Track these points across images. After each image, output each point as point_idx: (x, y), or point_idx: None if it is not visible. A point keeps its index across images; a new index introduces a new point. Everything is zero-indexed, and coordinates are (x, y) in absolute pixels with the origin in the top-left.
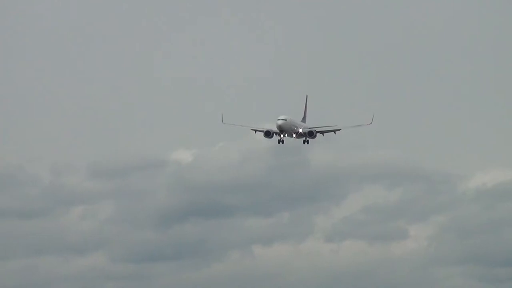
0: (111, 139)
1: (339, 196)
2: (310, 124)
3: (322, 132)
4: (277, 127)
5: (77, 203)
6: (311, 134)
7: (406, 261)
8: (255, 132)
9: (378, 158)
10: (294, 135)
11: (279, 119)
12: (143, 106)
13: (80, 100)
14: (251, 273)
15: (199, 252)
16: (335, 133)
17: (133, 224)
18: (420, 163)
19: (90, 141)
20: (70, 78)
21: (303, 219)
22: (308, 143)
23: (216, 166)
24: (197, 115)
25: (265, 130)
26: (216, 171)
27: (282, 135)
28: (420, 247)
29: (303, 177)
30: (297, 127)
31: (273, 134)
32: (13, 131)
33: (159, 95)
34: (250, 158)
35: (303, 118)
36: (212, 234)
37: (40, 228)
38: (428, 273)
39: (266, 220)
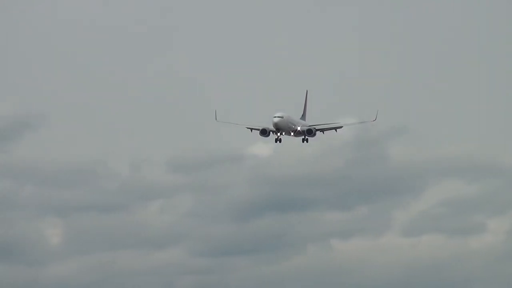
0: (190, 133)
1: (417, 190)
2: (311, 122)
3: (322, 130)
4: (273, 125)
5: (156, 197)
6: (310, 132)
7: (484, 255)
8: (251, 130)
9: (456, 152)
10: (292, 133)
11: (275, 117)
12: (222, 99)
13: (159, 94)
14: (329, 267)
15: (277, 246)
16: (336, 131)
17: (212, 218)
18: (499, 157)
19: (169, 135)
20: (147, 72)
21: (381, 213)
22: (307, 141)
23: (294, 159)
24: (275, 108)
25: (261, 128)
26: (294, 165)
27: (279, 134)
28: (498, 241)
29: (382, 171)
30: (295, 125)
31: (269, 133)
32: (93, 126)
33: (235, 89)
34: (328, 151)
35: (302, 115)
36: (290, 228)
37: (119, 223)
38: (506, 267)
39: (344, 214)
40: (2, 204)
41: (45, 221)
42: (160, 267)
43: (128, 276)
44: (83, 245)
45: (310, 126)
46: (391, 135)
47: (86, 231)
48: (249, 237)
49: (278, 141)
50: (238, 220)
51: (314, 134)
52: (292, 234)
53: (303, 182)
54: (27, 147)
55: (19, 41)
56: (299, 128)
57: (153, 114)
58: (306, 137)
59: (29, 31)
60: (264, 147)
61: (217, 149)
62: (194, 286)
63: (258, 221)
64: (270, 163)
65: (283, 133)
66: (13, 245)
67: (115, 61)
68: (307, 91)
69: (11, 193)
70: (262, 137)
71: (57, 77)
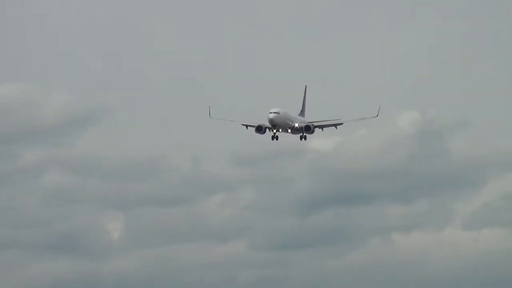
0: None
1: (478, 184)
2: (310, 118)
3: (321, 127)
4: (268, 122)
5: (218, 190)
6: (308, 129)
7: None
8: (246, 127)
9: None
10: (289, 130)
11: (270, 112)
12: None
13: (219, 88)
14: (390, 260)
15: (339, 240)
16: (336, 127)
17: (273, 211)
18: None
19: (231, 129)
20: (209, 67)
21: (442, 207)
22: (305, 139)
23: (356, 153)
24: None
25: (256, 125)
26: (356, 159)
27: (275, 130)
28: None
29: (443, 165)
30: (292, 121)
31: (265, 129)
32: (155, 120)
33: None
34: (390, 145)
35: (301, 111)
36: (351, 221)
37: (180, 216)
38: None
39: (405, 208)
40: (65, 198)
41: (107, 215)
42: (221, 261)
43: (189, 270)
44: (144, 239)
45: (308, 122)
46: (453, 128)
47: (147, 225)
48: (310, 230)
49: (274, 139)
50: (300, 213)
51: (313, 131)
52: (354, 228)
53: (365, 176)
54: (90, 141)
55: (84, 35)
56: (296, 125)
57: (217, 105)
58: (304, 134)
59: (92, 25)
60: (326, 141)
61: (280, 142)
62: (256, 280)
63: (319, 214)
64: (332, 156)
65: (280, 130)
66: (75, 239)
67: (178, 56)
68: (306, 86)
69: (74, 187)
70: (257, 134)
71: (121, 71)
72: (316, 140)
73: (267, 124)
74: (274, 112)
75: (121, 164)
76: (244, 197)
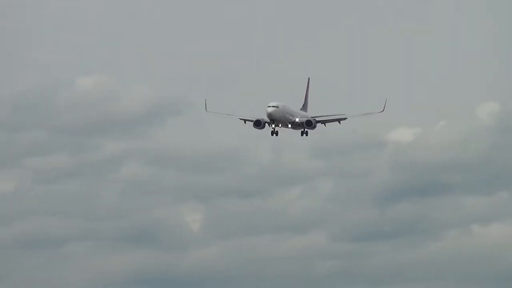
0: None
1: None
2: (313, 113)
3: (324, 122)
4: (267, 116)
5: (297, 182)
6: (309, 124)
7: None
8: (245, 122)
9: None
10: (289, 125)
11: (269, 106)
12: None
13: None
14: (468, 252)
15: (417, 231)
16: (340, 122)
17: (352, 203)
18: None
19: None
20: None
21: None
22: (307, 134)
23: (436, 145)
24: (419, 93)
25: (255, 119)
26: (436, 150)
27: (274, 125)
28: None
29: None
30: (292, 116)
31: (264, 124)
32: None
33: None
34: (471, 136)
35: (303, 106)
36: (429, 213)
37: (259, 208)
38: None
39: (485, 199)
40: (145, 190)
41: (186, 206)
42: (299, 252)
43: (268, 261)
44: (224, 231)
45: (309, 117)
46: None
47: (227, 216)
48: (388, 222)
49: (274, 134)
50: (378, 205)
51: (314, 127)
52: (432, 220)
53: (444, 167)
54: (169, 133)
55: (164, 27)
56: (297, 120)
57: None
58: (306, 129)
59: (173, 18)
60: (406, 132)
61: (360, 134)
62: (334, 271)
63: (398, 206)
64: (411, 148)
65: (280, 125)
66: (154, 231)
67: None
68: (309, 79)
69: (153, 178)
70: (256, 129)
71: (201, 61)
72: (395, 131)
73: (266, 118)
74: (273, 106)
75: (200, 156)
76: (323, 189)
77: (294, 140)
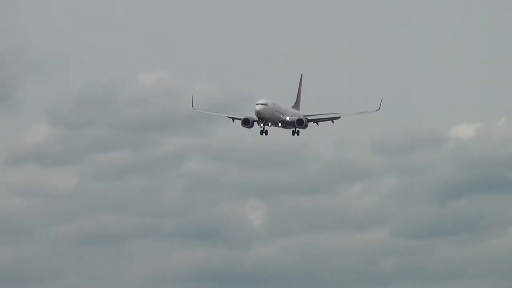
0: (394, 114)
1: None
2: (306, 111)
3: (316, 121)
4: (255, 114)
5: (359, 178)
6: (300, 123)
7: None
8: (233, 120)
9: None
10: (279, 124)
11: (258, 104)
12: (428, 81)
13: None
14: None
15: (478, 227)
16: (333, 122)
17: (413, 199)
18: None
19: (373, 116)
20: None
21: None
22: (298, 134)
23: (497, 140)
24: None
25: (243, 117)
26: (497, 146)
27: (263, 124)
28: None
29: None
30: (283, 114)
31: (253, 123)
32: None
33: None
34: None
35: (295, 103)
36: (491, 209)
37: (321, 204)
38: None
39: None
40: (206, 186)
41: (248, 203)
42: (361, 248)
43: (330, 258)
44: (286, 227)
45: (301, 116)
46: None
47: (289, 213)
48: (450, 218)
49: (264, 133)
50: (439, 201)
51: (306, 126)
52: (493, 216)
53: (505, 163)
54: (231, 129)
55: (227, 24)
56: (287, 118)
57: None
58: (297, 128)
59: (235, 17)
60: (467, 128)
61: (421, 130)
62: (396, 267)
63: (459, 202)
64: (472, 144)
65: (269, 124)
66: (216, 228)
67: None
68: (301, 75)
69: (215, 175)
70: (244, 128)
71: (262, 58)
72: (456, 127)
73: (255, 117)
74: (261, 104)
75: (262, 152)
76: (384, 185)
77: (357, 137)
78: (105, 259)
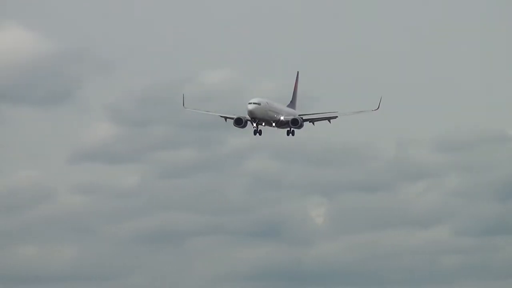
0: (457, 111)
1: None
2: (302, 111)
3: (312, 121)
4: (248, 114)
5: (421, 176)
6: (295, 123)
7: None
8: (225, 119)
9: None
10: (273, 124)
11: (250, 103)
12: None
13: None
14: None
15: None
16: (329, 121)
17: (476, 197)
18: None
19: (436, 114)
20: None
21: None
22: (293, 134)
23: None
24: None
25: (235, 117)
26: None
27: (255, 124)
28: None
29: None
30: (277, 114)
31: (246, 122)
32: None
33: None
34: None
35: (291, 102)
36: None
37: (383, 202)
38: None
39: None
40: (270, 184)
41: (311, 201)
42: (424, 246)
43: (392, 256)
44: (348, 225)
45: (296, 115)
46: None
47: (351, 211)
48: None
49: (257, 133)
50: (502, 199)
51: (301, 125)
52: None
53: None
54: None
55: (289, 23)
56: (282, 118)
57: (422, 93)
58: (292, 128)
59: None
60: None
61: (482, 128)
62: (458, 266)
63: None
64: None
65: (263, 124)
66: (279, 225)
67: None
68: (298, 73)
69: (278, 173)
70: (237, 127)
71: (324, 57)
72: None
73: (248, 116)
74: (254, 103)
75: (325, 150)
76: (447, 183)
77: (419, 135)
78: (168, 257)
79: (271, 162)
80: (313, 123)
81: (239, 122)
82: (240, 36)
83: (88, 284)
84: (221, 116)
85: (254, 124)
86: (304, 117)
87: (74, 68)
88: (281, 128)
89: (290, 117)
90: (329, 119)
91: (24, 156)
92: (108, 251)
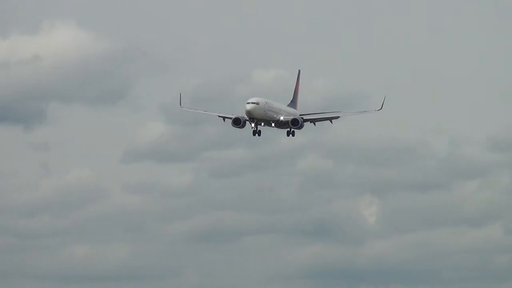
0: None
1: None
2: (304, 110)
3: (313, 121)
4: (246, 114)
5: (474, 175)
6: (295, 123)
7: None
8: (224, 119)
9: None
10: (273, 124)
11: (248, 103)
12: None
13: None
14: None
15: None
16: (331, 121)
17: None
18: None
19: (489, 112)
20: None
21: None
22: (293, 135)
23: None
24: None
25: (233, 117)
26: None
27: (254, 124)
28: None
29: None
30: (276, 114)
31: (244, 123)
32: (414, 105)
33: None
34: None
35: (292, 101)
36: None
37: (436, 201)
38: None
39: None
40: (322, 183)
41: (363, 200)
42: (476, 245)
43: (444, 255)
44: (400, 224)
45: (296, 115)
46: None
47: (403, 210)
48: None
49: (256, 134)
50: None
51: (301, 126)
52: None
53: None
54: (347, 126)
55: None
56: (281, 118)
57: (474, 90)
58: (292, 129)
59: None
60: None
61: None
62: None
63: None
64: None
65: (262, 124)
66: (331, 224)
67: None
68: (299, 71)
69: (330, 172)
70: (236, 128)
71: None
72: None
73: (246, 116)
74: (252, 103)
75: (377, 149)
76: (500, 182)
77: (472, 133)
78: (220, 256)
79: (323, 160)
80: (314, 124)
81: (237, 122)
82: (293, 36)
83: (141, 283)
84: (219, 116)
85: (253, 125)
86: (305, 117)
87: (128, 67)
88: (281, 128)
89: (290, 117)
90: (331, 119)
91: (78, 156)
92: (161, 250)
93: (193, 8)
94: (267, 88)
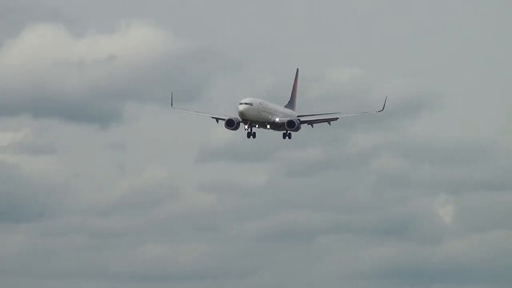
0: None
1: None
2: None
3: (310, 122)
4: (239, 115)
5: None
6: (291, 125)
7: None
8: (217, 121)
9: None
10: (268, 126)
11: (241, 104)
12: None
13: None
14: None
15: None
16: (329, 123)
17: None
18: None
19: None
20: None
21: None
22: (290, 137)
23: None
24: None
25: (227, 118)
26: None
27: (247, 126)
28: None
29: None
30: (272, 115)
31: (238, 124)
32: (486, 105)
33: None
34: None
35: (289, 102)
36: None
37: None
38: None
39: None
40: (396, 182)
41: (438, 199)
42: None
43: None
44: (476, 224)
45: (292, 117)
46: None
47: (478, 209)
48: None
49: (251, 136)
50: None
51: (298, 128)
52: None
53: None
54: (423, 126)
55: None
56: (277, 120)
57: None
58: (288, 131)
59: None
60: None
61: None
62: None
63: None
64: None
65: (256, 125)
66: (406, 224)
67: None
68: (297, 70)
69: (405, 171)
70: (228, 129)
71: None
72: None
73: (239, 117)
74: (245, 103)
75: (452, 148)
76: None
77: None
78: (295, 256)
79: (397, 160)
80: (312, 125)
81: (231, 124)
82: (367, 34)
83: (215, 283)
84: (212, 117)
85: (246, 126)
86: (303, 119)
87: (201, 66)
88: (276, 130)
89: (285, 119)
90: (329, 121)
91: (153, 155)
92: (236, 250)
93: (265, 6)
94: (341, 87)
